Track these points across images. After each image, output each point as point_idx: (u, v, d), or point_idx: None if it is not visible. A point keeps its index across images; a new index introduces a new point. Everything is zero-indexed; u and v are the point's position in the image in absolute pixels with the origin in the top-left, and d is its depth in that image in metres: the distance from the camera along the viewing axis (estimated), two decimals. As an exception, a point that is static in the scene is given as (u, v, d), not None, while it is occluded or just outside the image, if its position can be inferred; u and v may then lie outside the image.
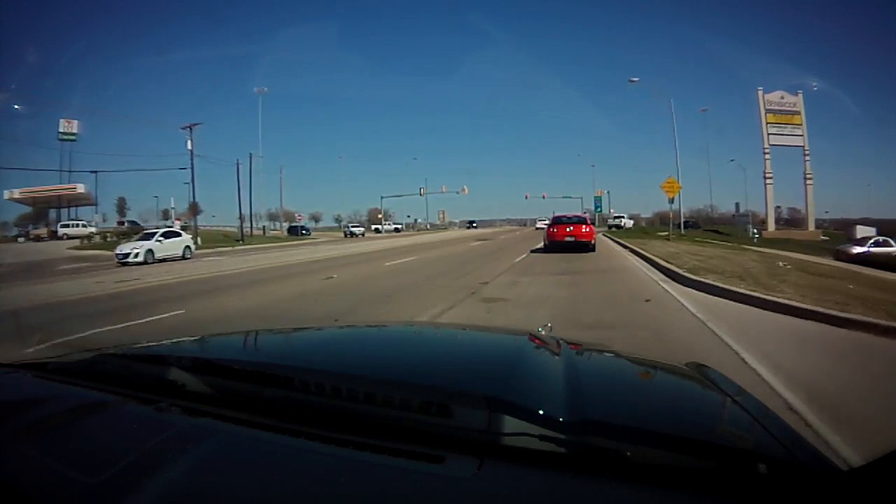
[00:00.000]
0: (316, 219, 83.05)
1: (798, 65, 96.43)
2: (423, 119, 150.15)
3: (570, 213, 19.65)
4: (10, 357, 1.28)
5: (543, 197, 74.51)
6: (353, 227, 54.51)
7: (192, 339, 1.54)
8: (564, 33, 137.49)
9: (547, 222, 43.49)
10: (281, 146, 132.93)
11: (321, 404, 0.88)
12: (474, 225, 74.68)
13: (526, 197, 75.97)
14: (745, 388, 1.10)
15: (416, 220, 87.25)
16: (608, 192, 67.51)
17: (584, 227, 16.23)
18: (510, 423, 0.75)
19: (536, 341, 1.35)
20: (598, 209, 67.40)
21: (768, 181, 42.04)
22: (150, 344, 1.36)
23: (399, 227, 66.15)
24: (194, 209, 40.28)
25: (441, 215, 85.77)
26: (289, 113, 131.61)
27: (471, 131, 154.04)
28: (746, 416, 0.91)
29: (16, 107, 30.32)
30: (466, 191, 63.49)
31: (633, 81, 34.15)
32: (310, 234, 50.96)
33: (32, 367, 1.16)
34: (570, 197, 73.94)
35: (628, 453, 0.69)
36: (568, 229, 16.12)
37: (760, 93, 41.75)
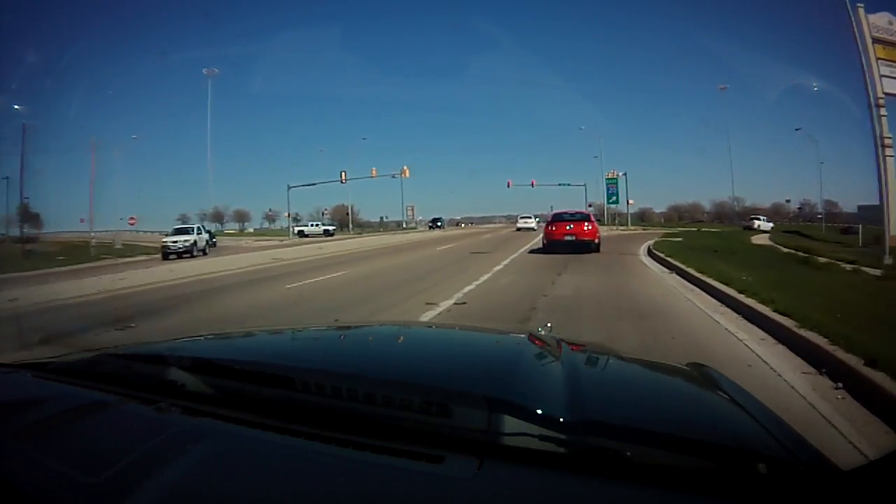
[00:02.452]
0: (271, 219, 74.07)
1: (798, 65, 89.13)
2: (422, 118, 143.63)
3: (572, 210, 18.11)
4: (10, 357, 1.26)
5: (532, 185, 55.20)
6: (171, 237, 24.01)
7: (192, 339, 1.54)
8: (567, 30, 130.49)
9: (532, 220, 34.65)
10: (279, 146, 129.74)
11: (321, 404, 0.88)
12: (439, 224, 57.83)
13: (508, 185, 55.85)
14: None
15: (382, 219, 78.41)
16: (625, 175, 47.03)
17: (585, 224, 14.95)
18: (510, 423, 0.75)
19: (536, 341, 1.35)
20: (612, 198, 47.53)
21: (888, 150, 19.45)
22: (150, 344, 1.40)
23: (330, 228, 48.59)
24: (24, 213, 30.75)
25: (410, 212, 71.00)
26: (287, 112, 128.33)
27: (471, 130, 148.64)
28: (746, 416, 0.90)
29: (16, 107, 28.59)
30: (407, 173, 45.55)
31: None
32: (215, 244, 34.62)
33: (32, 367, 1.16)
34: (568, 184, 55.76)
35: (628, 453, 0.69)
36: (568, 227, 14.74)
37: (862, 12, 20.90)
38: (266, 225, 72.91)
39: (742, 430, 0.85)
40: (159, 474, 0.67)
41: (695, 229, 36.58)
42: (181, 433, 0.80)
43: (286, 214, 52.24)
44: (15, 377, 1.12)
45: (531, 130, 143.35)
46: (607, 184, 48.17)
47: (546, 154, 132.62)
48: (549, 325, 1.71)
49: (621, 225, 46.02)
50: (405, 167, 46.23)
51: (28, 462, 0.74)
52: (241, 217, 74.00)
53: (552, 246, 14.73)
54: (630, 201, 48.95)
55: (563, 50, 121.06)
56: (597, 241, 14.63)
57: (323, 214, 65.05)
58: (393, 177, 47.25)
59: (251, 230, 65.75)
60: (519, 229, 37.47)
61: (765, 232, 33.48)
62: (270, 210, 66.99)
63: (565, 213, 16.70)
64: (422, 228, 60.63)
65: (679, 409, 0.99)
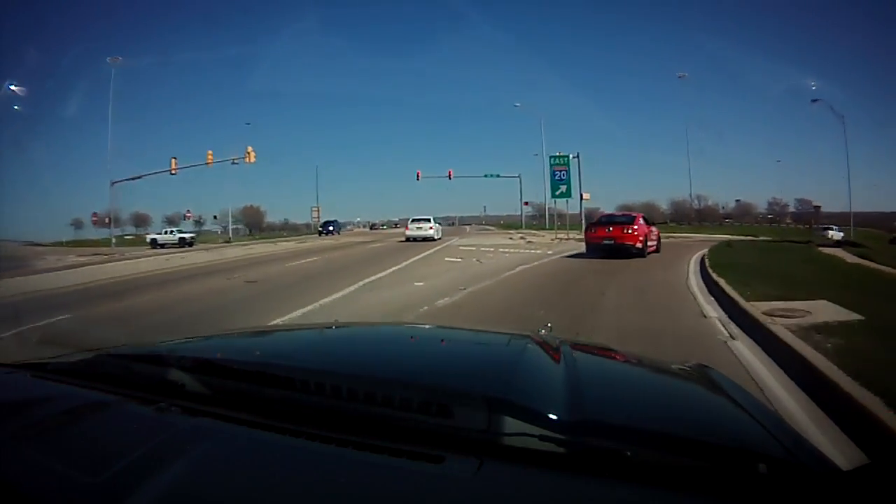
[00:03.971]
0: (173, 222, 63.78)
1: (798, 65, 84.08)
2: (351, 114, 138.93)
3: (619, 213, 17.63)
4: (10, 357, 1.26)
5: (449, 176, 46.01)
6: None
7: (192, 339, 1.55)
8: (501, 11, 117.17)
9: (430, 225, 25.50)
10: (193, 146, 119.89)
11: (321, 404, 0.88)
12: (332, 229, 46.33)
13: (417, 177, 46.56)
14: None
15: (286, 221, 72.74)
16: (578, 157, 30.65)
17: (627, 227, 13.71)
18: (510, 423, 0.75)
19: (537, 342, 1.34)
20: (560, 189, 29.24)
21: None
22: (150, 344, 1.39)
23: (187, 236, 37.47)
24: None
25: (315, 214, 58.86)
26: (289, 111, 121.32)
27: (409, 130, 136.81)
28: (746, 416, 0.90)
29: (15, 108, 25.55)
30: (252, 157, 34.11)
31: None
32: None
33: (32, 367, 1.16)
34: (497, 175, 49.16)
35: (628, 453, 0.69)
36: (607, 230, 14.01)
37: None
38: (164, 228, 63.62)
39: (742, 430, 0.85)
40: (159, 474, 0.67)
41: (724, 237, 24.02)
42: (181, 433, 0.80)
43: (129, 216, 45.79)
44: (15, 377, 1.11)
45: (474, 129, 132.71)
46: (552, 165, 29.05)
47: (490, 151, 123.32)
48: (549, 325, 1.68)
49: (573, 229, 32.08)
50: (249, 149, 34.82)
51: (28, 462, 0.74)
52: (141, 221, 65.15)
53: (591, 250, 14.17)
54: (585, 195, 32.30)
55: (499, 38, 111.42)
56: (639, 245, 13.42)
57: (185, 218, 56.76)
58: (233, 163, 35.67)
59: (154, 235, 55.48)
60: (410, 239, 24.91)
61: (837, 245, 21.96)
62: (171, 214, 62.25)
63: (615, 215, 16.04)
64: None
65: (679, 409, 0.99)
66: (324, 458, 0.74)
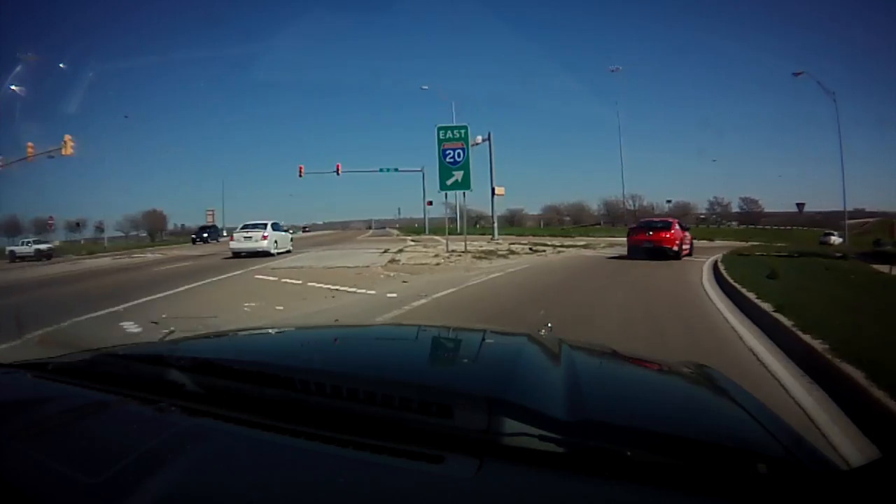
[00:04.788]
0: (77, 228, 61.18)
1: (797, 63, 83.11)
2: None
3: (657, 218, 18.81)
4: (11, 357, 1.25)
5: (337, 172, 40.03)
6: None
7: (192, 338, 1.55)
8: None
9: (265, 234, 19.33)
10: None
11: (321, 404, 0.88)
12: (206, 236, 40.23)
13: (300, 173, 40.36)
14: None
15: (183, 226, 67.03)
16: (489, 140, 25.38)
17: (665, 232, 15.10)
18: (510, 424, 0.75)
19: (537, 341, 1.34)
20: (455, 176, 17.35)
21: None
22: (150, 344, 1.42)
23: (45, 247, 30.89)
24: None
25: (209, 217, 51.82)
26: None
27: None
28: (746, 416, 0.90)
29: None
30: (70, 148, 28.23)
31: None
32: None
33: (32, 367, 1.15)
34: (395, 170, 43.23)
35: (628, 453, 0.69)
36: (648, 233, 15.28)
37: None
38: (69, 235, 60.59)
39: (742, 429, 0.85)
40: (159, 474, 0.67)
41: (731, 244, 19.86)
42: (181, 433, 0.79)
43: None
44: (15, 377, 1.11)
45: (383, 121, 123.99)
46: (442, 141, 17.96)
47: (401, 147, 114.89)
48: (549, 325, 1.67)
49: (485, 233, 25.85)
50: (67, 137, 29.71)
51: (28, 462, 0.74)
52: (42, 226, 55.94)
53: (632, 252, 15.22)
54: (499, 189, 25.72)
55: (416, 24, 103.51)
56: (675, 248, 14.69)
57: (49, 227, 48.77)
58: (50, 156, 30.81)
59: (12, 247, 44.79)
60: (237, 254, 18.39)
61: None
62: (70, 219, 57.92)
63: (652, 220, 17.48)
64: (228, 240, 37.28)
65: (679, 409, 0.98)
66: (324, 458, 0.74)
